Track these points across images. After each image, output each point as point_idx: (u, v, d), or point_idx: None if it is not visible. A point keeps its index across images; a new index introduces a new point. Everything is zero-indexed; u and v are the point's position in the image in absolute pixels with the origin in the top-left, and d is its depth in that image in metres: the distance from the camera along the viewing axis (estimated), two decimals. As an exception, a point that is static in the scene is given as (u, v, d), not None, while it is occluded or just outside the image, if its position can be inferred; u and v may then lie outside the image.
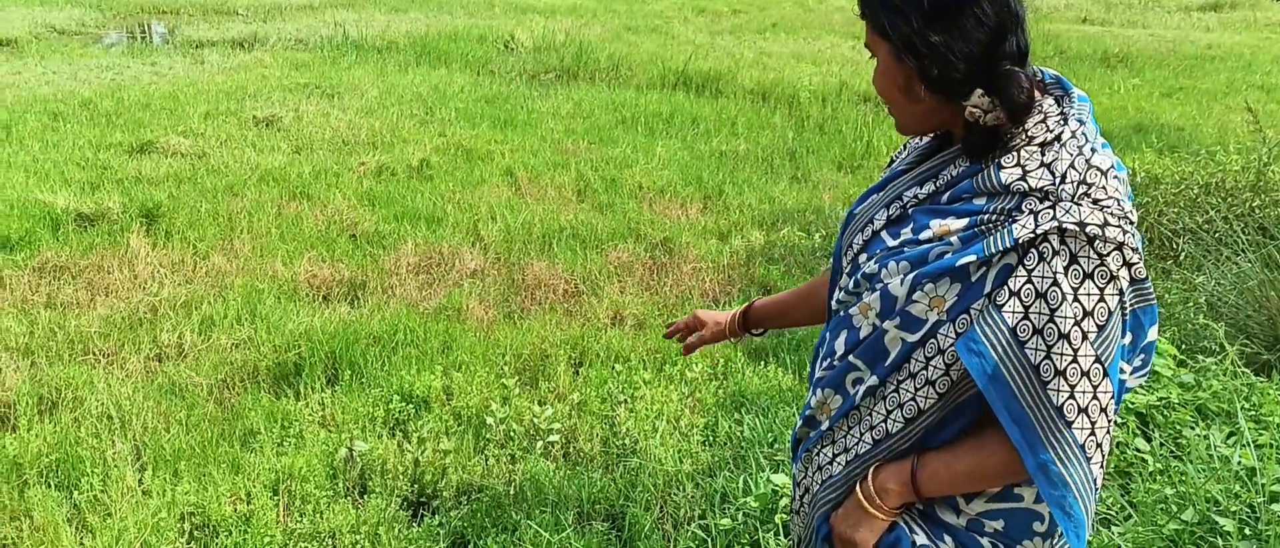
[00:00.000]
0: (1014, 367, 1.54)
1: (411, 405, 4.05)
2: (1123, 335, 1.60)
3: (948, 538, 1.72)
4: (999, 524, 1.71)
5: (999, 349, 1.55)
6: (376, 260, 5.70)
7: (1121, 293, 1.56)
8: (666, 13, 16.96)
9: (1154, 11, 18.86)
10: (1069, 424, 1.54)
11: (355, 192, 6.84)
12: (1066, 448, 1.55)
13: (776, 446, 3.69)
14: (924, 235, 1.65)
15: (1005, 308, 1.55)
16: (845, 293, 1.77)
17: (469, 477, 3.64)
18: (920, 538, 1.72)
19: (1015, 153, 1.60)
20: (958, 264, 1.59)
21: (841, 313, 1.77)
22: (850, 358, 1.73)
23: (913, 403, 1.67)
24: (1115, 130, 9.07)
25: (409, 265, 5.63)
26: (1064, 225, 1.52)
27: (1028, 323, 1.53)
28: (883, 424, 1.71)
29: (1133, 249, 1.55)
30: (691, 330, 2.36)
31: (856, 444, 1.76)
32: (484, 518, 3.39)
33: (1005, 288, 1.55)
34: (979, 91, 1.60)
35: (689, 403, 4.16)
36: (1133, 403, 3.50)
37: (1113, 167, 1.58)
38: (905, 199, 1.73)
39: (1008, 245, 1.55)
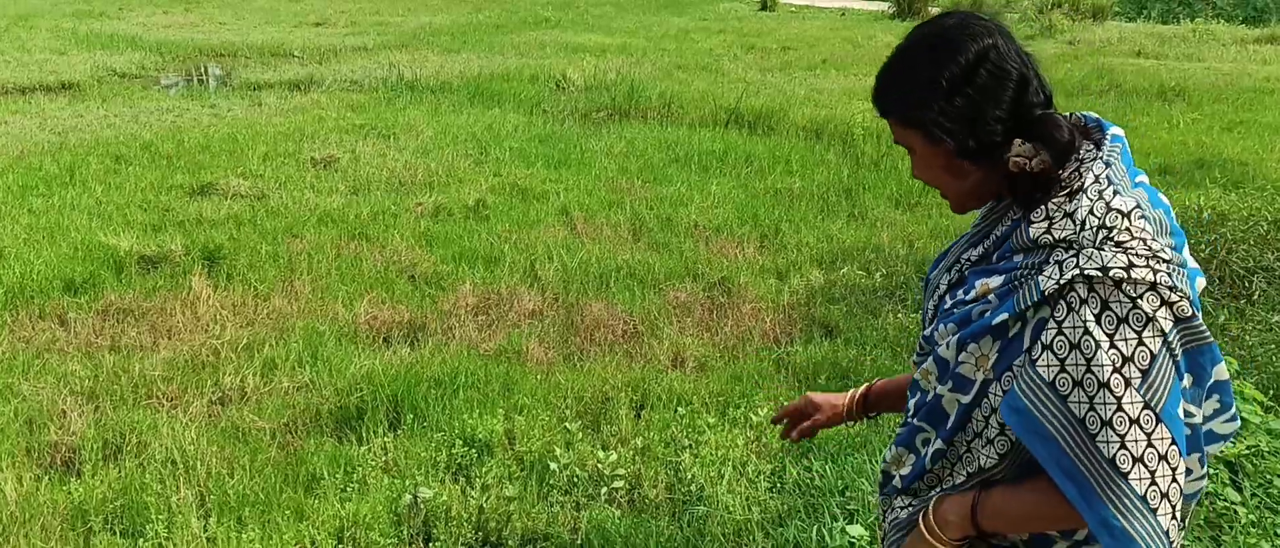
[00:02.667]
0: (1058, 422, 1.51)
1: (474, 450, 4.02)
2: (1179, 378, 1.55)
3: None
4: None
5: (1038, 406, 1.52)
6: (435, 301, 5.69)
7: (1164, 334, 1.51)
8: (716, 51, 16.97)
9: (1208, 45, 18.56)
10: (1124, 475, 1.50)
11: (413, 232, 6.86)
12: (1125, 501, 1.51)
13: (848, 494, 3.60)
14: (970, 296, 1.66)
15: (1039, 363, 1.53)
16: (917, 355, 1.80)
17: (534, 524, 3.59)
18: None
19: (1044, 206, 1.60)
20: (995, 322, 1.59)
21: (916, 375, 1.80)
22: (914, 421, 1.76)
23: (977, 464, 1.67)
24: (1177, 166, 8.91)
25: (467, 306, 5.62)
26: (1087, 272, 1.50)
27: (1066, 376, 1.51)
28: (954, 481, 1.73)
29: (1169, 288, 1.51)
30: (802, 414, 2.21)
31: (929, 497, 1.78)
32: (550, 567, 3.34)
33: (1038, 342, 1.54)
34: (1018, 141, 1.60)
35: (755, 448, 4.09)
36: (1221, 451, 3.38)
37: (1136, 207, 1.55)
38: (963, 262, 1.75)
39: (1036, 299, 1.54)
